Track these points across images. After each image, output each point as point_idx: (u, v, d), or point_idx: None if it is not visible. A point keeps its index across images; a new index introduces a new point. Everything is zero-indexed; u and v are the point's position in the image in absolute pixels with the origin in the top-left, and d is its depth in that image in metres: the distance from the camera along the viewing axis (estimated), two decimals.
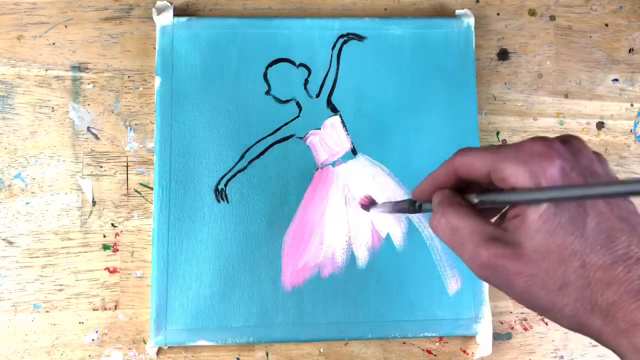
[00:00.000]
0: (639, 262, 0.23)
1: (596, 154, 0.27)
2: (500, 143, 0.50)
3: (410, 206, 0.33)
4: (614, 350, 0.24)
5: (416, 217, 0.47)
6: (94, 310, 0.45)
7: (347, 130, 0.48)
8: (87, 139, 0.47)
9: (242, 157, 0.46)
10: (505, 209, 0.28)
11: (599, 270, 0.24)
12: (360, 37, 0.49)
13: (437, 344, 0.47)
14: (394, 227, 0.47)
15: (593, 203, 0.25)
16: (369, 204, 0.40)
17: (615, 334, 0.24)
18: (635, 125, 0.52)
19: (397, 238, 0.46)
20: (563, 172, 0.25)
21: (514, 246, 0.25)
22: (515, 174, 0.25)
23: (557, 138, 0.26)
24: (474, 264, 0.26)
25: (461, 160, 0.28)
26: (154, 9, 0.48)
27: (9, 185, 0.46)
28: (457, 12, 0.50)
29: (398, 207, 0.34)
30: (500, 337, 0.48)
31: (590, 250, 0.24)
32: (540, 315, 0.26)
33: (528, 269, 0.25)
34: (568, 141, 0.26)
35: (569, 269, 0.24)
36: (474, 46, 0.49)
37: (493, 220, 0.29)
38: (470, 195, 0.28)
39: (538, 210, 0.25)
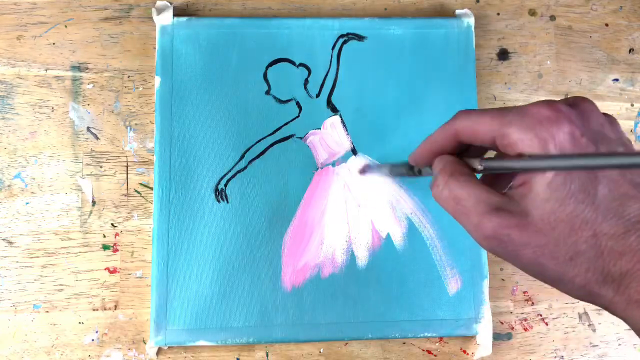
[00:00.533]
0: None
1: (606, 115, 0.26)
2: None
3: (409, 170, 0.31)
4: (625, 320, 0.24)
5: (416, 217, 0.47)
6: (94, 310, 0.45)
7: (347, 130, 0.48)
8: (87, 139, 0.47)
9: (242, 157, 0.46)
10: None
11: (612, 239, 0.23)
12: (360, 37, 0.49)
13: (437, 344, 0.47)
14: (394, 227, 0.47)
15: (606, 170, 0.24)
16: (365, 167, 0.39)
17: (628, 304, 0.23)
18: (636, 125, 0.52)
19: (397, 238, 0.46)
20: (572, 137, 0.23)
21: (520, 215, 0.24)
22: (522, 140, 0.24)
23: (564, 100, 0.25)
24: (478, 235, 0.25)
25: (463, 124, 0.27)
26: (153, 9, 0.48)
27: (9, 185, 0.46)
28: (457, 12, 0.50)
29: (397, 171, 0.33)
30: (500, 337, 0.48)
31: (602, 219, 0.23)
32: (550, 285, 0.25)
33: (536, 239, 0.24)
34: (576, 104, 0.25)
35: (580, 239, 0.23)
36: (474, 46, 0.49)
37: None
38: (473, 161, 0.27)
39: (546, 177, 0.23)
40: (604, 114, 0.26)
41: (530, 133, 0.24)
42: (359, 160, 0.47)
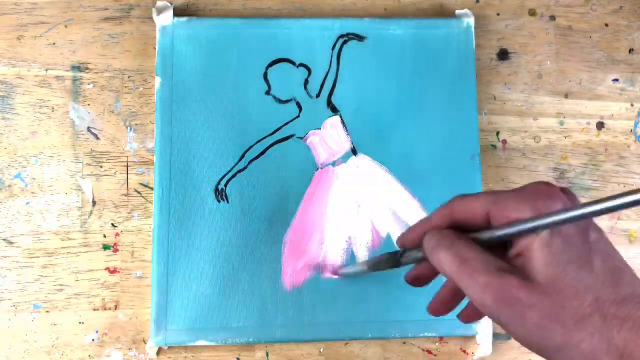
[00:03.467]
0: None
1: None
2: (501, 143, 0.50)
3: (389, 258, 0.31)
4: None
5: (417, 217, 0.47)
6: (94, 310, 0.45)
7: (347, 130, 0.48)
8: (87, 139, 0.47)
9: (242, 157, 0.46)
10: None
11: (613, 306, 0.23)
12: (360, 37, 0.49)
13: (437, 344, 0.47)
14: (394, 227, 0.47)
15: (597, 244, 0.25)
16: (338, 269, 0.39)
17: None
18: (635, 125, 0.52)
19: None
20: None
21: (526, 278, 0.25)
22: (518, 210, 0.25)
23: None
24: (484, 295, 0.25)
25: (459, 204, 0.28)
26: (154, 9, 0.48)
27: (9, 185, 0.46)
28: (457, 12, 0.50)
29: (375, 262, 0.33)
30: (500, 337, 0.48)
31: (601, 286, 0.24)
32: (548, 357, 0.25)
33: (543, 301, 0.24)
34: (566, 191, 0.27)
35: (584, 302, 0.23)
36: (474, 46, 0.49)
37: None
38: (470, 235, 0.28)
39: (543, 241, 0.24)
40: None
41: (527, 204, 0.25)
42: (359, 160, 0.47)
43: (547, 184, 0.26)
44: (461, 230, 0.28)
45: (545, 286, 0.24)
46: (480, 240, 0.27)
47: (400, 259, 0.31)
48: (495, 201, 0.26)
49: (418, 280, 0.32)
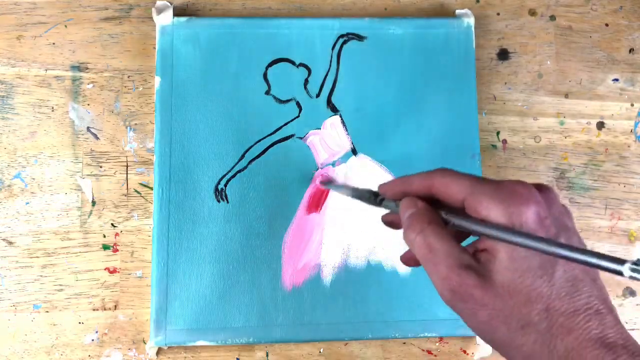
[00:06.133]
0: (597, 314, 0.24)
1: (564, 206, 0.28)
2: (501, 143, 0.50)
3: (370, 196, 0.33)
4: None
5: None
6: (94, 310, 0.45)
7: (347, 130, 0.48)
8: (87, 139, 0.47)
9: (242, 157, 0.46)
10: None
11: (562, 316, 0.24)
12: (360, 37, 0.49)
13: (437, 344, 0.47)
14: None
15: None
16: (327, 181, 0.40)
17: None
18: (636, 125, 0.52)
19: (397, 238, 0.46)
20: (538, 217, 0.25)
21: (484, 278, 0.26)
22: (490, 209, 0.26)
23: (533, 184, 0.27)
24: (443, 286, 0.26)
25: (440, 181, 0.29)
26: (153, 9, 0.48)
27: (9, 185, 0.46)
28: (457, 12, 0.50)
29: (358, 194, 0.35)
30: None
31: (556, 296, 0.25)
32: (494, 349, 0.27)
33: (494, 302, 0.25)
34: (542, 190, 0.27)
35: (533, 310, 0.25)
36: (474, 46, 0.49)
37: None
38: (439, 211, 0.29)
39: (509, 249, 0.25)
40: (562, 205, 0.28)
41: (501, 205, 0.26)
42: (359, 160, 0.47)
43: (524, 185, 0.27)
44: (438, 202, 0.29)
45: (500, 288, 0.25)
46: (449, 223, 0.28)
47: (379, 203, 0.33)
48: (472, 192, 0.27)
49: (391, 225, 0.34)
